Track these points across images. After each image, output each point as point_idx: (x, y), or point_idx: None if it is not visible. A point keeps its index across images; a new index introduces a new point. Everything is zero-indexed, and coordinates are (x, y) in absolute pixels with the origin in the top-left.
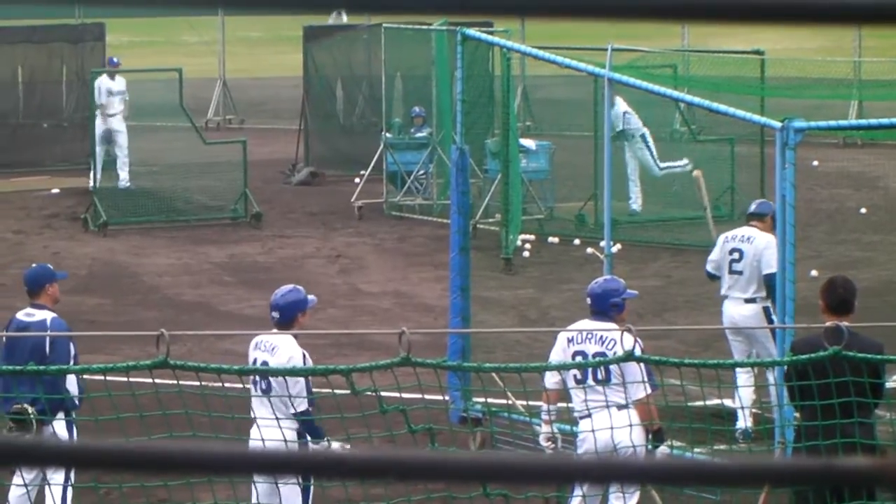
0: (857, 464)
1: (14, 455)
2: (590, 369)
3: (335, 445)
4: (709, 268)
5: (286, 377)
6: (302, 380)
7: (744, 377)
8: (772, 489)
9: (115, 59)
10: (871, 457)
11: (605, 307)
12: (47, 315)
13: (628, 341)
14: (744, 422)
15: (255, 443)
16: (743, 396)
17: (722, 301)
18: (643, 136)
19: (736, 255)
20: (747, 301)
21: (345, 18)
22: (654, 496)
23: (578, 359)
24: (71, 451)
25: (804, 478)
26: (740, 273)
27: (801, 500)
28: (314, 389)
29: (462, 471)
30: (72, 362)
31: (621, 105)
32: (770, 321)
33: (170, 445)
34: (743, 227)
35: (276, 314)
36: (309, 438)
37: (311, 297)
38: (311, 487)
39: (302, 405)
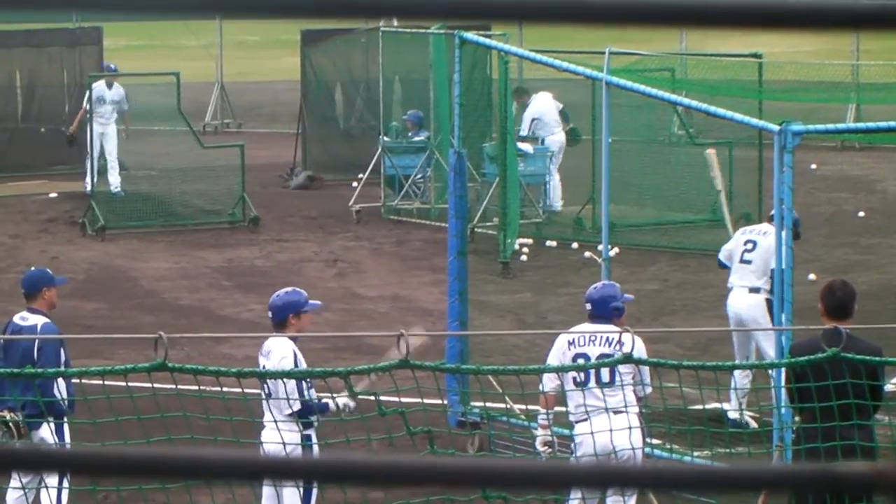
0: (856, 469)
1: (11, 462)
2: (592, 372)
3: (341, 401)
4: (721, 256)
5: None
6: (292, 383)
7: (739, 375)
8: (771, 493)
9: (112, 66)
10: (871, 460)
11: (608, 311)
12: (39, 320)
13: (636, 343)
14: (738, 414)
15: (261, 446)
16: (737, 382)
17: (728, 293)
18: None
19: (749, 246)
20: (751, 291)
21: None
22: (650, 498)
23: (580, 361)
24: (68, 458)
25: (803, 483)
26: (749, 262)
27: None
28: (319, 394)
29: (461, 476)
30: (62, 367)
31: (540, 103)
32: (771, 313)
33: (170, 452)
34: (763, 224)
35: (269, 314)
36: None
37: (313, 301)
38: (314, 490)
39: (294, 406)
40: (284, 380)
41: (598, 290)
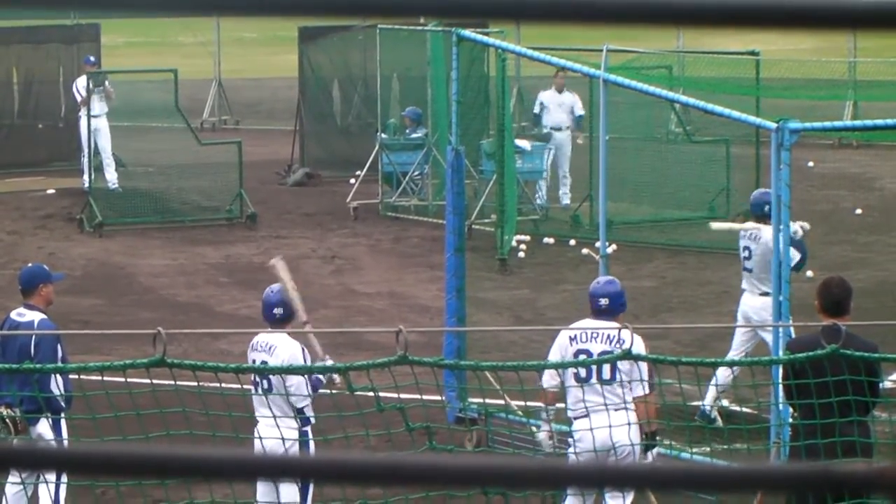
0: (856, 469)
1: (8, 460)
2: (594, 368)
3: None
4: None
5: (287, 376)
6: (302, 378)
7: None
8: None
9: (92, 59)
10: (869, 456)
11: (618, 307)
12: (36, 316)
13: (636, 340)
14: (710, 400)
15: (258, 442)
16: (719, 379)
17: (741, 293)
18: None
19: (746, 254)
20: (761, 294)
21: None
22: (649, 496)
23: (582, 357)
24: (64, 456)
25: (803, 483)
26: (750, 271)
27: (800, 502)
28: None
29: (459, 475)
30: (59, 364)
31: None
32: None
33: (166, 450)
34: (749, 223)
35: (279, 310)
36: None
37: None
38: (311, 486)
39: (303, 401)
40: (295, 378)
41: (602, 287)
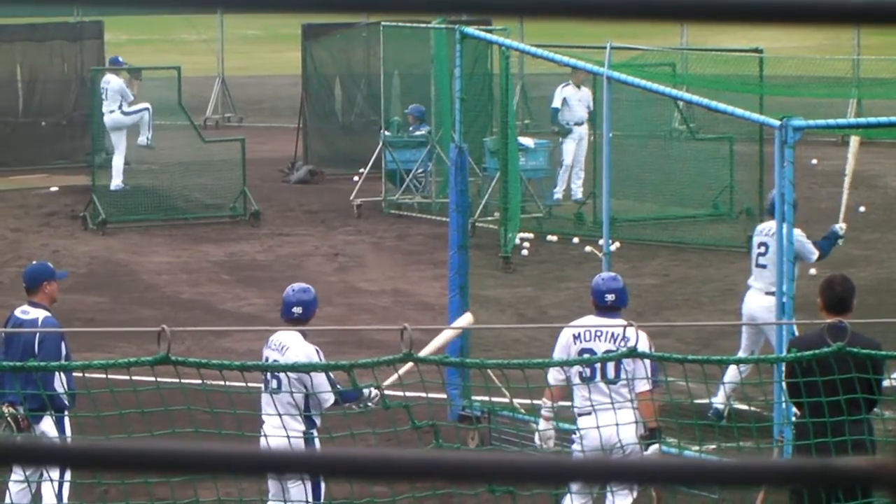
0: (855, 464)
1: (9, 455)
2: (598, 367)
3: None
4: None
5: (308, 377)
6: (323, 376)
7: (733, 369)
8: (770, 488)
9: (119, 59)
10: (871, 454)
11: (623, 302)
12: (40, 314)
13: (641, 339)
14: (722, 398)
15: (264, 440)
16: (727, 377)
17: (745, 292)
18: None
19: (762, 250)
20: (767, 294)
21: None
22: (651, 493)
23: (585, 356)
24: (66, 452)
25: (803, 478)
26: (764, 267)
27: (811, 499)
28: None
29: (462, 470)
30: (63, 361)
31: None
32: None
33: (169, 445)
34: (771, 222)
35: (298, 309)
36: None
37: None
38: (322, 484)
39: (329, 401)
40: (313, 377)
41: (606, 282)
